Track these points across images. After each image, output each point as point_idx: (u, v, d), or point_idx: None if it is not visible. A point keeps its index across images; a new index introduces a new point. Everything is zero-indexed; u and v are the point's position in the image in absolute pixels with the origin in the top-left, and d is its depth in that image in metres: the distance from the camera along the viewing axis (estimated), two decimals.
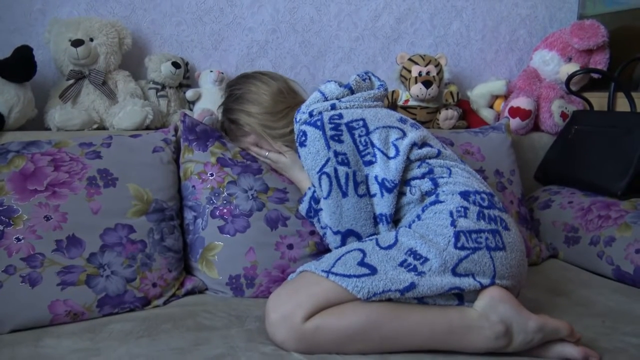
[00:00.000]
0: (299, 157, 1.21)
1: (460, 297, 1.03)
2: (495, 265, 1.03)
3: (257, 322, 1.10)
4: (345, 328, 0.96)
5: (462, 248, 1.02)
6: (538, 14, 2.11)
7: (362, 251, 1.04)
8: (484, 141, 1.65)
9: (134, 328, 1.06)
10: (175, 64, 1.55)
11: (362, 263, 1.01)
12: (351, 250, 1.05)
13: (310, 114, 1.19)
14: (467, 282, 1.00)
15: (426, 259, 1.01)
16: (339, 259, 1.03)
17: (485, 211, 1.09)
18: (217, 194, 1.29)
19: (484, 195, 1.13)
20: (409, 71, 1.78)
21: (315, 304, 0.97)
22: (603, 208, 1.57)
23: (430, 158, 1.19)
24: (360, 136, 1.16)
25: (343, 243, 1.15)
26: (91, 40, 1.44)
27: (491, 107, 1.97)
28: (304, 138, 1.16)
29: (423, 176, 1.16)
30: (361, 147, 1.15)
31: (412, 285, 0.98)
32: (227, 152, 1.34)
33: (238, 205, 1.28)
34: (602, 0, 2.03)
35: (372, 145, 1.16)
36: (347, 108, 1.20)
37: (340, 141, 1.14)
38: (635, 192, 1.61)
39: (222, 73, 1.64)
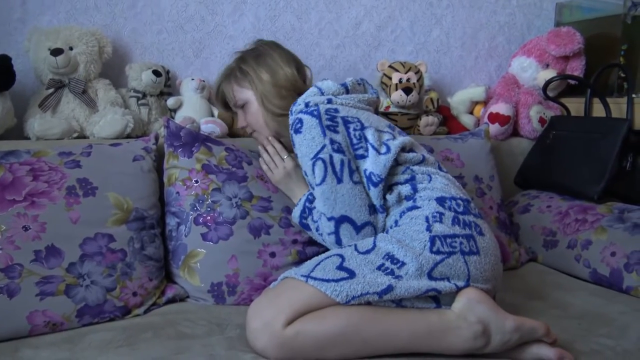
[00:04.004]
0: (293, 145, 1.20)
1: (437, 300, 1.04)
2: (469, 269, 1.05)
3: (237, 329, 1.10)
4: (325, 332, 0.97)
5: (438, 252, 1.04)
6: (516, 21, 2.15)
7: (341, 256, 1.06)
8: (464, 147, 1.67)
9: (114, 337, 1.06)
10: (156, 72, 1.55)
11: (340, 267, 1.03)
12: (330, 256, 1.07)
13: (307, 105, 1.21)
14: (443, 285, 1.02)
15: (403, 263, 1.03)
16: (319, 264, 1.05)
17: (460, 217, 1.12)
18: (201, 201, 1.29)
19: (459, 202, 1.15)
20: (390, 78, 1.80)
21: (296, 310, 0.98)
22: (580, 212, 1.60)
23: (414, 164, 1.21)
24: (355, 130, 1.18)
25: (337, 230, 1.13)
26: (71, 49, 1.44)
27: (471, 113, 1.99)
28: (299, 125, 1.17)
29: (405, 182, 1.18)
30: (355, 140, 1.17)
31: (389, 288, 0.99)
32: (213, 157, 1.34)
33: (222, 213, 1.29)
34: (579, 8, 2.07)
35: (366, 140, 1.18)
36: (342, 105, 1.23)
37: (336, 132, 1.16)
38: (611, 195, 1.65)
39: (204, 81, 1.64)
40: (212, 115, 1.63)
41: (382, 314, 1.00)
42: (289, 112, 1.24)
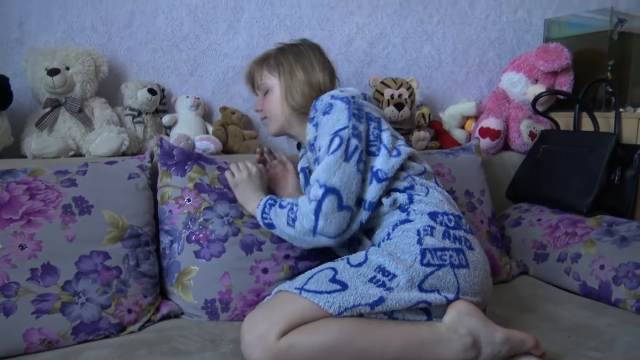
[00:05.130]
0: (318, 126, 1.24)
1: (428, 312, 1.07)
2: (459, 281, 1.08)
3: (231, 344, 1.12)
4: (318, 344, 0.98)
5: (428, 265, 1.07)
6: (506, 37, 2.19)
7: (334, 269, 1.08)
8: (455, 162, 1.70)
9: (109, 355, 1.07)
10: (151, 91, 1.57)
11: (333, 280, 1.05)
12: (323, 269, 1.09)
13: (334, 95, 1.26)
14: (433, 297, 1.05)
15: (394, 275, 1.05)
16: (312, 277, 1.07)
17: (451, 231, 1.15)
18: (193, 219, 1.31)
19: (451, 217, 1.18)
20: (382, 94, 1.83)
21: (289, 322, 1.00)
22: (570, 225, 1.62)
23: (416, 174, 1.25)
24: (374, 128, 1.25)
25: (322, 198, 1.13)
26: (67, 68, 1.46)
27: (462, 127, 2.03)
28: (329, 108, 1.22)
29: (404, 190, 1.21)
30: (371, 137, 1.23)
31: (381, 300, 1.02)
32: (205, 176, 1.37)
33: (214, 231, 1.30)
34: (567, 24, 2.11)
35: (380, 140, 1.24)
36: (366, 105, 1.30)
37: (359, 121, 1.21)
38: (600, 208, 1.67)
39: (198, 98, 1.67)
40: (207, 133, 1.65)
41: (374, 325, 1.02)
42: (311, 108, 1.31)
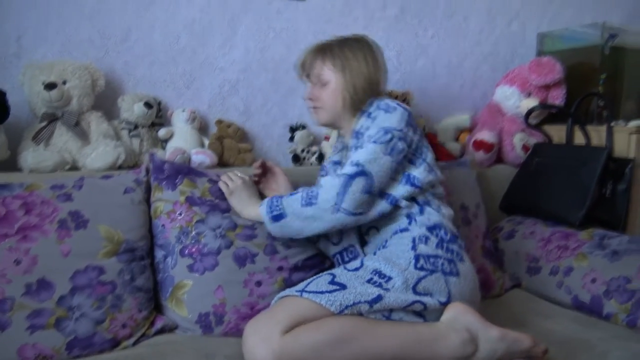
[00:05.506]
0: (374, 119, 1.29)
1: (423, 317, 1.12)
2: (449, 288, 1.15)
3: None
4: (322, 339, 1.02)
5: (421, 269, 1.15)
6: (500, 50, 2.21)
7: (332, 274, 1.15)
8: (450, 177, 1.70)
9: None
10: (148, 104, 1.59)
11: (332, 282, 1.11)
12: (321, 275, 1.16)
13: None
14: (427, 299, 1.11)
15: (390, 278, 1.12)
16: (311, 281, 1.13)
17: (445, 243, 1.22)
18: (185, 233, 1.32)
19: (448, 233, 1.26)
20: None
21: (292, 320, 1.03)
22: (562, 238, 1.63)
23: (436, 197, 1.34)
24: (420, 144, 1.32)
25: (353, 176, 1.20)
26: (64, 83, 1.47)
27: (457, 140, 2.04)
28: (392, 109, 1.29)
29: (422, 203, 1.29)
30: (415, 149, 1.31)
31: (379, 297, 1.08)
32: (196, 189, 1.38)
33: (206, 244, 1.31)
34: (559, 38, 2.14)
35: (422, 156, 1.32)
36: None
37: (413, 131, 1.30)
38: (592, 222, 1.69)
39: (194, 112, 1.68)
40: (203, 146, 1.67)
41: (374, 323, 1.07)
42: (368, 103, 1.35)
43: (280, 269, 1.35)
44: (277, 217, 1.27)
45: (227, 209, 1.37)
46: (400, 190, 1.26)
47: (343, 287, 1.09)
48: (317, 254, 1.42)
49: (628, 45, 1.99)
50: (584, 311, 1.46)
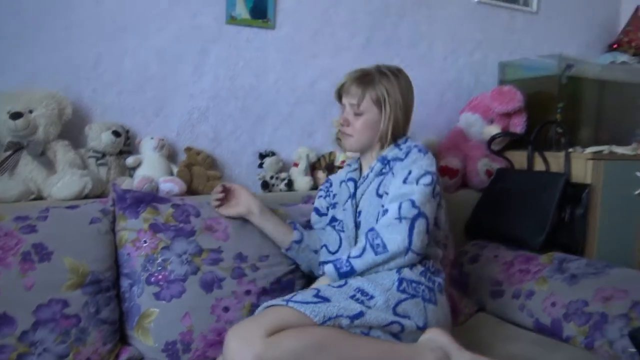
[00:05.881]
0: (407, 155, 1.36)
1: (400, 339, 1.17)
2: (427, 314, 1.21)
3: None
4: (303, 345, 1.05)
5: (403, 291, 1.21)
6: (463, 78, 2.29)
7: (317, 289, 1.19)
8: None
9: None
10: (116, 133, 1.59)
11: (317, 295, 1.16)
12: (306, 290, 1.22)
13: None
14: (405, 321, 1.17)
15: (372, 296, 1.18)
16: (297, 294, 1.18)
17: (429, 274, 1.29)
18: (151, 261, 1.32)
19: (435, 267, 1.35)
20: None
21: (275, 326, 1.06)
22: (524, 262, 1.68)
23: (439, 237, 1.44)
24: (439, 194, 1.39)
25: (415, 218, 1.26)
26: (30, 112, 1.47)
27: None
28: (425, 152, 1.38)
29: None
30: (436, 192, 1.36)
31: (361, 314, 1.12)
32: (159, 216, 1.38)
33: (173, 271, 1.32)
34: (520, 67, 2.22)
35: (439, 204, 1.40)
36: None
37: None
38: (552, 246, 1.75)
39: (163, 140, 1.69)
40: (172, 174, 1.67)
41: (355, 335, 1.12)
42: (401, 138, 1.42)
43: (248, 292, 1.36)
44: (347, 274, 1.27)
45: (192, 232, 1.37)
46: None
47: (327, 300, 1.14)
48: (285, 276, 1.44)
49: (584, 75, 2.08)
50: (546, 334, 1.50)
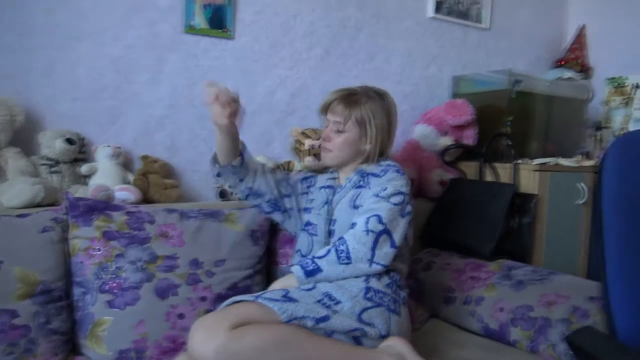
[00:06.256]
0: (385, 173, 1.42)
1: (361, 344, 1.21)
2: (390, 323, 1.25)
3: None
4: (268, 338, 1.07)
5: (370, 300, 1.26)
6: (419, 90, 2.36)
7: (286, 290, 1.23)
8: None
9: None
10: (70, 140, 1.57)
11: (285, 296, 1.20)
12: (274, 291, 1.24)
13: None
14: (369, 328, 1.20)
15: (339, 302, 1.22)
16: (266, 291, 1.22)
17: (395, 286, 1.35)
18: (105, 269, 1.31)
19: (401, 279, 1.41)
20: (302, 144, 1.91)
21: (241, 319, 1.09)
22: (474, 269, 1.74)
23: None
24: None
25: (380, 233, 1.31)
26: None
27: None
28: (402, 173, 1.44)
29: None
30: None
31: (326, 317, 1.17)
32: (113, 223, 1.37)
33: (127, 278, 1.31)
34: (472, 81, 2.31)
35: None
36: None
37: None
38: (501, 253, 1.82)
39: (119, 148, 1.68)
40: (127, 182, 1.66)
41: (318, 336, 1.15)
42: (379, 161, 1.47)
43: (203, 299, 1.37)
44: (312, 272, 1.30)
45: (147, 239, 1.37)
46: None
47: (295, 301, 1.17)
48: (241, 281, 1.45)
49: (532, 90, 2.18)
50: (494, 338, 1.56)
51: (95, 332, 1.27)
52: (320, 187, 1.55)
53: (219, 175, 1.51)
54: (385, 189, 1.38)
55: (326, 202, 1.48)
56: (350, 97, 1.47)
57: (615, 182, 0.93)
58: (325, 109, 1.52)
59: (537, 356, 1.43)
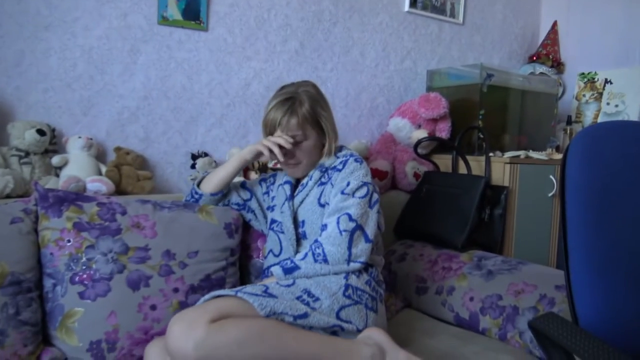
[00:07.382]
0: (345, 165, 1.41)
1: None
2: (367, 321, 1.27)
3: None
4: (247, 331, 1.08)
5: (348, 297, 1.28)
6: (394, 84, 2.38)
7: (266, 286, 1.23)
8: None
9: None
10: (40, 131, 1.55)
11: (265, 292, 1.20)
12: (255, 285, 1.25)
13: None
14: (346, 325, 1.22)
15: (318, 299, 1.23)
16: (246, 286, 1.22)
17: (373, 283, 1.37)
18: (75, 260, 1.30)
19: (379, 276, 1.43)
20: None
21: (221, 313, 1.09)
22: (447, 260, 1.77)
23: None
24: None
25: (354, 230, 1.33)
26: None
27: None
28: (360, 162, 1.43)
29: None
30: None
31: (305, 315, 1.18)
32: (84, 214, 1.36)
33: (98, 270, 1.30)
34: (446, 75, 2.34)
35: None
36: None
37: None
38: (473, 244, 1.85)
39: (91, 139, 1.66)
40: (100, 174, 1.64)
41: (297, 329, 1.16)
42: (340, 151, 1.47)
43: (176, 290, 1.36)
44: (291, 269, 1.31)
45: (118, 230, 1.36)
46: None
47: (274, 297, 1.18)
48: (215, 273, 1.45)
49: (504, 85, 2.21)
50: (464, 327, 1.59)
51: (66, 323, 1.26)
52: (279, 185, 1.55)
53: (196, 201, 1.55)
54: (349, 183, 1.38)
55: (287, 199, 1.48)
56: (291, 104, 1.40)
57: (578, 173, 0.96)
58: (273, 128, 1.42)
59: (505, 343, 1.46)
